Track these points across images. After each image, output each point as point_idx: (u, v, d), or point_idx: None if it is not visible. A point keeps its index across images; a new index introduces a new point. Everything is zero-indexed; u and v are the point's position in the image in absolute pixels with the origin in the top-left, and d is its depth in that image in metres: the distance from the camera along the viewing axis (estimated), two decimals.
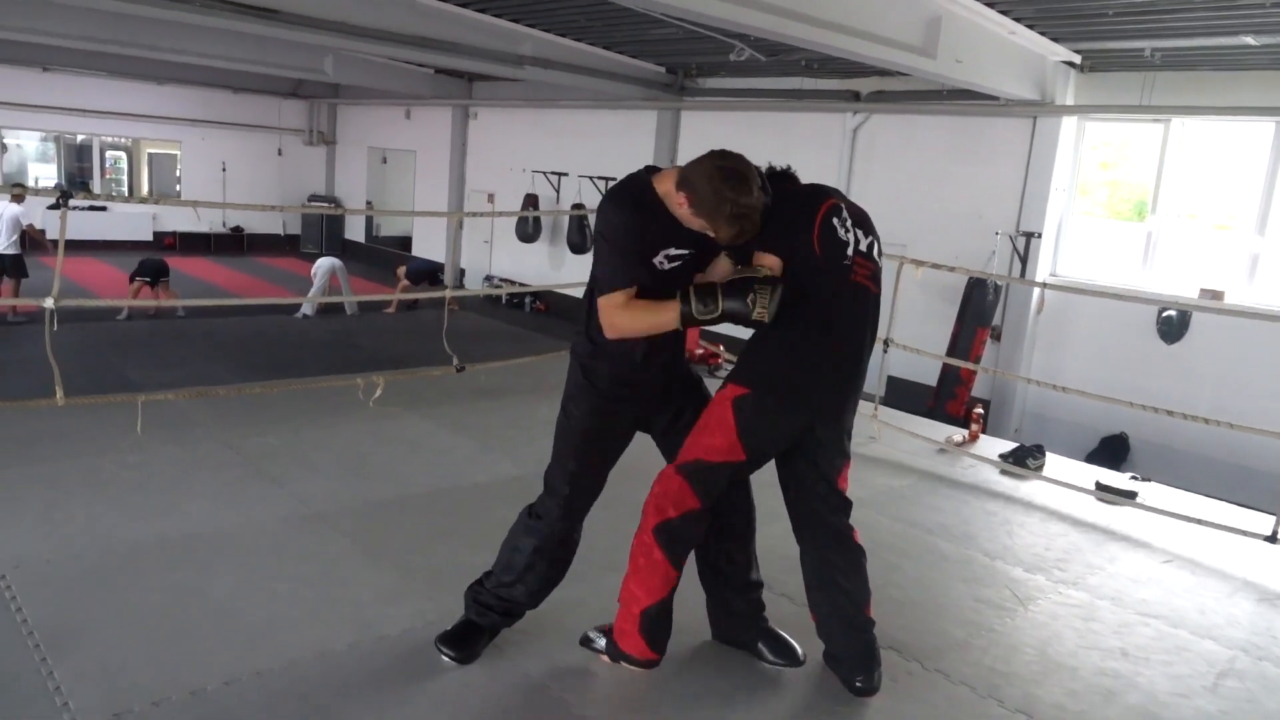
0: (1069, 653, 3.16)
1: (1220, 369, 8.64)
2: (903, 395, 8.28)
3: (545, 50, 11.64)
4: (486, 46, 11.18)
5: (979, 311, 9.86)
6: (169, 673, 2.56)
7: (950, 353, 9.52)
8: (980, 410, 5.73)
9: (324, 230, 20.03)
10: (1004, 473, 5.11)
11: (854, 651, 2.72)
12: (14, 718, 2.35)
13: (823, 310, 2.55)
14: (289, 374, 9.47)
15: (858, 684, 2.71)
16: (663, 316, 2.48)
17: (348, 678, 2.62)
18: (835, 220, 2.56)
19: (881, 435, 5.59)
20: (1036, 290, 9.76)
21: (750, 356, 2.65)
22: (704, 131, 13.33)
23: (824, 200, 2.60)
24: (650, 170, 2.62)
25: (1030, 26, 8.32)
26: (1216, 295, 8.72)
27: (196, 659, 2.64)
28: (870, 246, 2.63)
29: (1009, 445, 5.63)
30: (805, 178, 2.74)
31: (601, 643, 2.77)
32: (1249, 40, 7.42)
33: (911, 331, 6.06)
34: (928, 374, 9.83)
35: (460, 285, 17.44)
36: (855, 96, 11.46)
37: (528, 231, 14.92)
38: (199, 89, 18.18)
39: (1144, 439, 9.20)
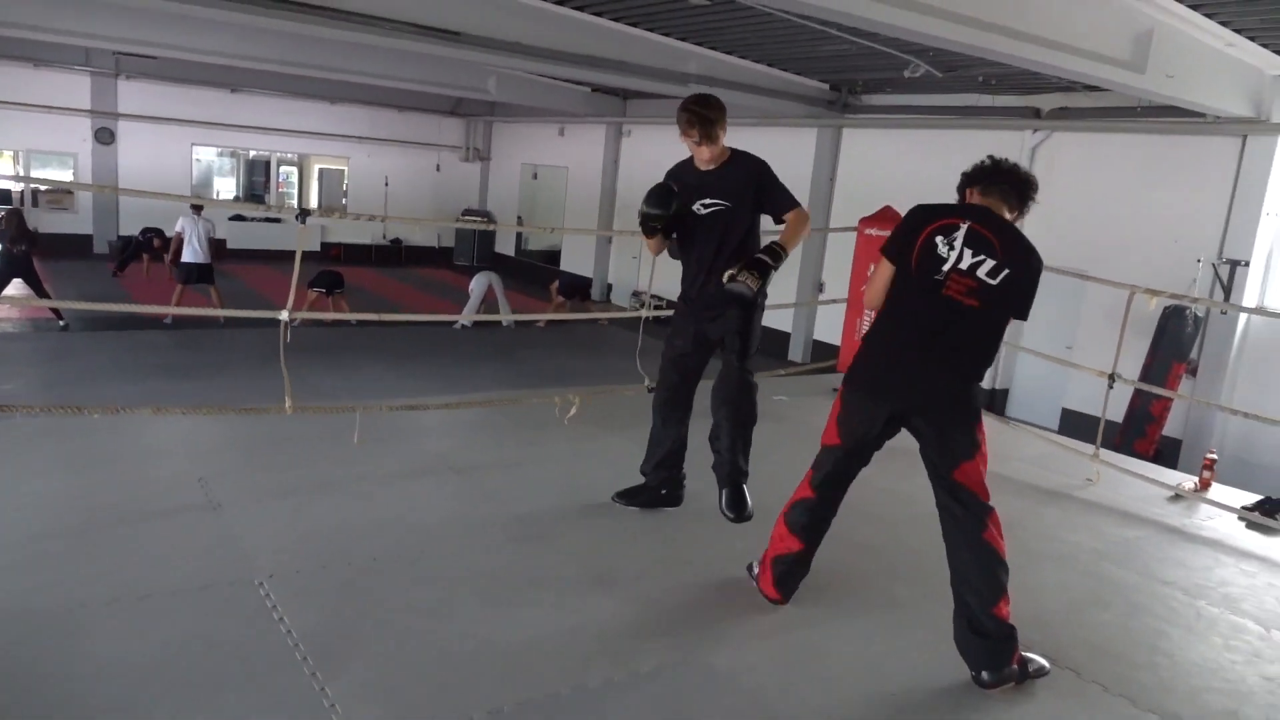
0: None
1: None
2: (1083, 430, 7.73)
3: (711, 68, 11.60)
4: (653, 65, 11.23)
5: (1176, 344, 9.16)
6: (436, 697, 2.53)
7: (1138, 391, 8.85)
8: (1213, 455, 5.24)
9: (476, 244, 20.64)
10: (1249, 526, 4.65)
11: (977, 649, 2.80)
12: None
13: (908, 315, 2.90)
14: (459, 384, 9.73)
15: (983, 677, 2.78)
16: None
17: (609, 716, 2.54)
18: (940, 238, 2.85)
19: (1100, 478, 5.18)
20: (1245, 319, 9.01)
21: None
22: (864, 150, 13.02)
23: (936, 220, 2.89)
24: None
25: (1251, 38, 7.70)
26: None
27: (460, 683, 2.60)
28: (977, 266, 2.79)
29: (1246, 495, 5.13)
30: None
31: (755, 570, 3.29)
32: None
33: (1094, 364, 5.68)
34: (1112, 409, 9.17)
35: (607, 300, 17.64)
36: (1036, 114, 10.91)
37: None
38: (367, 107, 19.10)
39: None
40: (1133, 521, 4.58)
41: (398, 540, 3.50)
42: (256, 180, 20.56)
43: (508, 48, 10.19)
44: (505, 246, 20.84)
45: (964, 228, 2.85)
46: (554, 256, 19.51)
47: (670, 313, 3.94)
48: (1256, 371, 9.18)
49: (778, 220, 3.61)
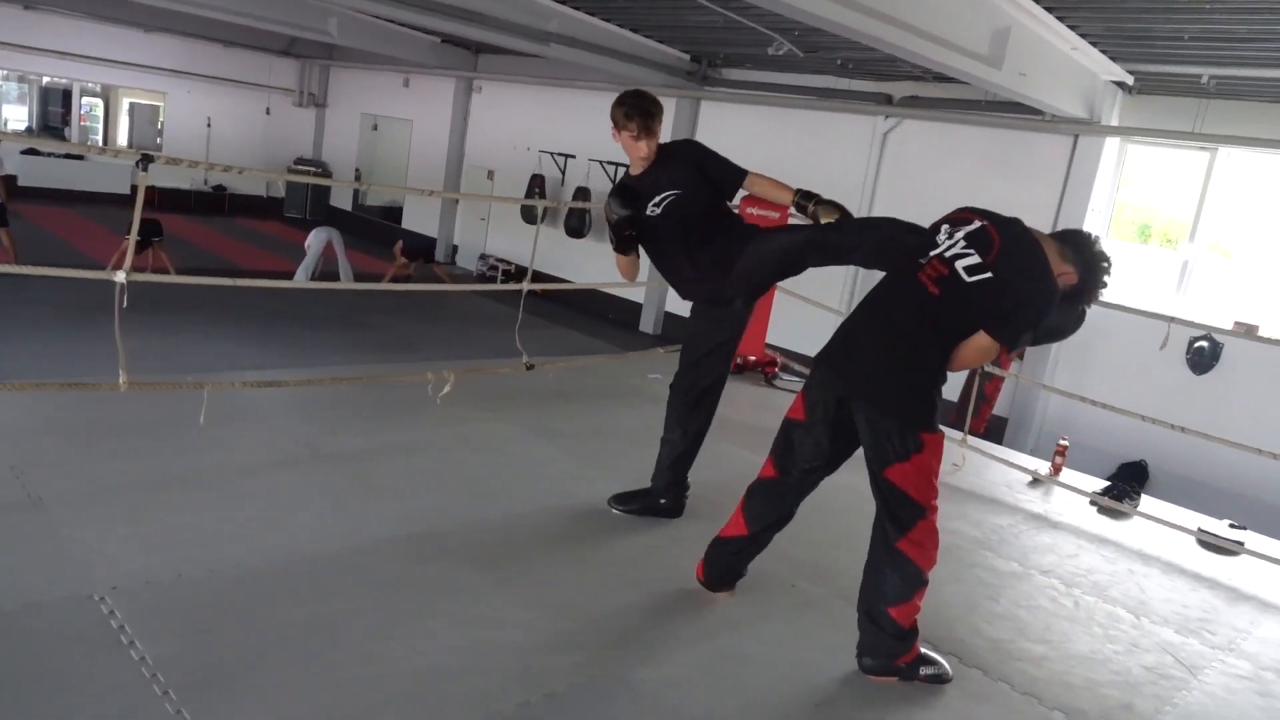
0: None
1: (1250, 403, 8.61)
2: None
3: (572, 28, 11.22)
4: (512, 20, 10.72)
5: None
6: None
7: (974, 371, 9.37)
8: (1065, 443, 5.56)
9: (309, 196, 19.33)
10: (1100, 511, 4.94)
11: (867, 635, 2.82)
12: None
13: (879, 294, 2.82)
14: (305, 353, 9.03)
15: (864, 661, 2.83)
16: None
17: None
18: (947, 226, 2.74)
19: (965, 463, 5.37)
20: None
21: None
22: (723, 122, 13.00)
23: (959, 213, 2.79)
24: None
25: (1094, 44, 8.15)
26: (1250, 330, 8.68)
27: (360, 717, 2.29)
28: (960, 259, 2.64)
29: (1090, 479, 5.47)
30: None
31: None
32: None
33: None
34: (948, 389, 9.67)
35: (452, 262, 16.96)
36: (888, 100, 11.24)
37: (534, 212, 14.47)
38: (188, 39, 17.36)
39: (1163, 468, 9.17)
40: (1002, 508, 4.76)
41: (268, 544, 3.08)
42: (53, 111, 18.34)
43: None
44: (341, 201, 19.64)
45: (976, 224, 2.69)
46: (394, 213, 18.56)
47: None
48: (1076, 357, 9.90)
49: (731, 195, 3.47)
